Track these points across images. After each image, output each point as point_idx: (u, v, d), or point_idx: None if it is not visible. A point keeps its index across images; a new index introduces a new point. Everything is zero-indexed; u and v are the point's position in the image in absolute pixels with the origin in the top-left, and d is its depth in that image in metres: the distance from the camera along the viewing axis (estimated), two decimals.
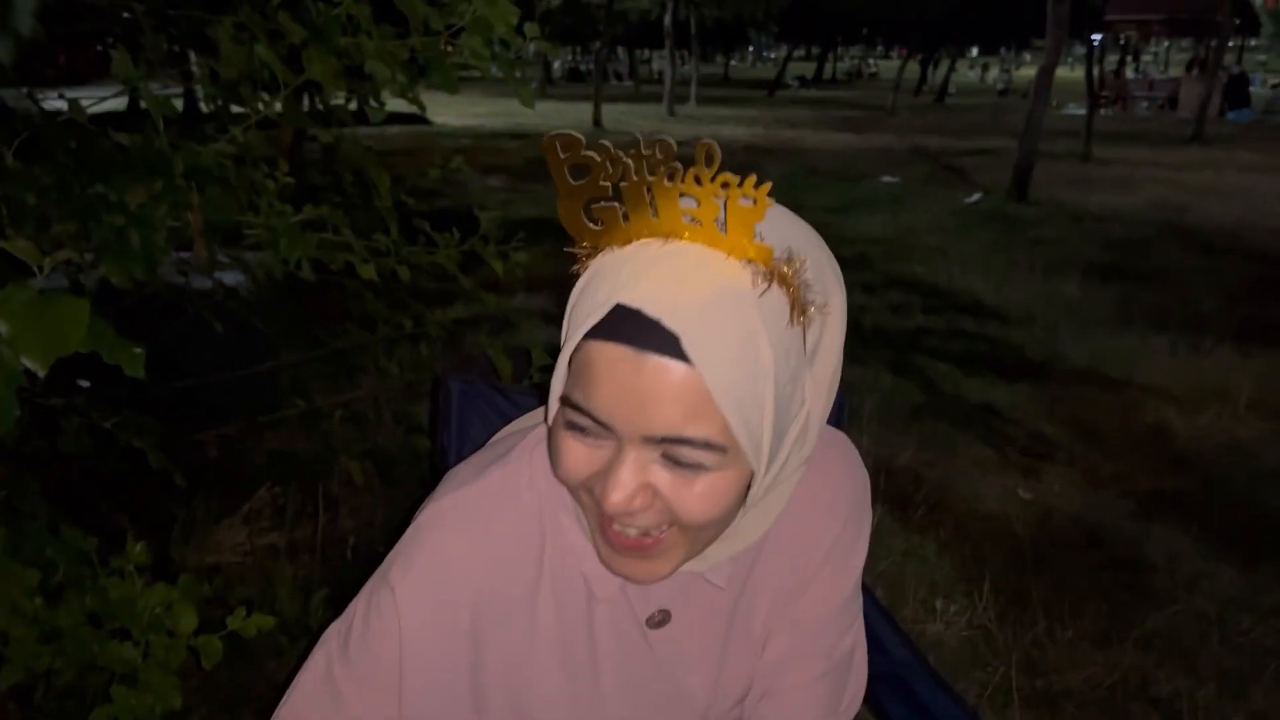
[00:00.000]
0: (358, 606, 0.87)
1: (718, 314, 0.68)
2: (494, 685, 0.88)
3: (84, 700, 1.43)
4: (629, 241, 0.71)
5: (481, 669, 0.87)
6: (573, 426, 0.73)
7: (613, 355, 0.69)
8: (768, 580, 0.93)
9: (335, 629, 0.88)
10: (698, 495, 0.73)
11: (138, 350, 1.15)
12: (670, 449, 0.71)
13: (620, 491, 0.72)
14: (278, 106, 1.49)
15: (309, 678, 0.88)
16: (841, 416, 1.41)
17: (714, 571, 0.86)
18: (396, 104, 1.63)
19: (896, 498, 2.93)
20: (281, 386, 2.42)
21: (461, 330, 4.14)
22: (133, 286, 1.61)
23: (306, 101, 2.09)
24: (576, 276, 0.74)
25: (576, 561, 0.87)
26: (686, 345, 0.68)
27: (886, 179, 9.53)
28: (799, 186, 8.95)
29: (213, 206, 1.49)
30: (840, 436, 0.98)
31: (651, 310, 0.68)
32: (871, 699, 1.30)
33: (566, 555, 0.87)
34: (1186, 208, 8.10)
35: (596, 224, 0.72)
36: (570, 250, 0.73)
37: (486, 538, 0.85)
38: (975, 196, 8.39)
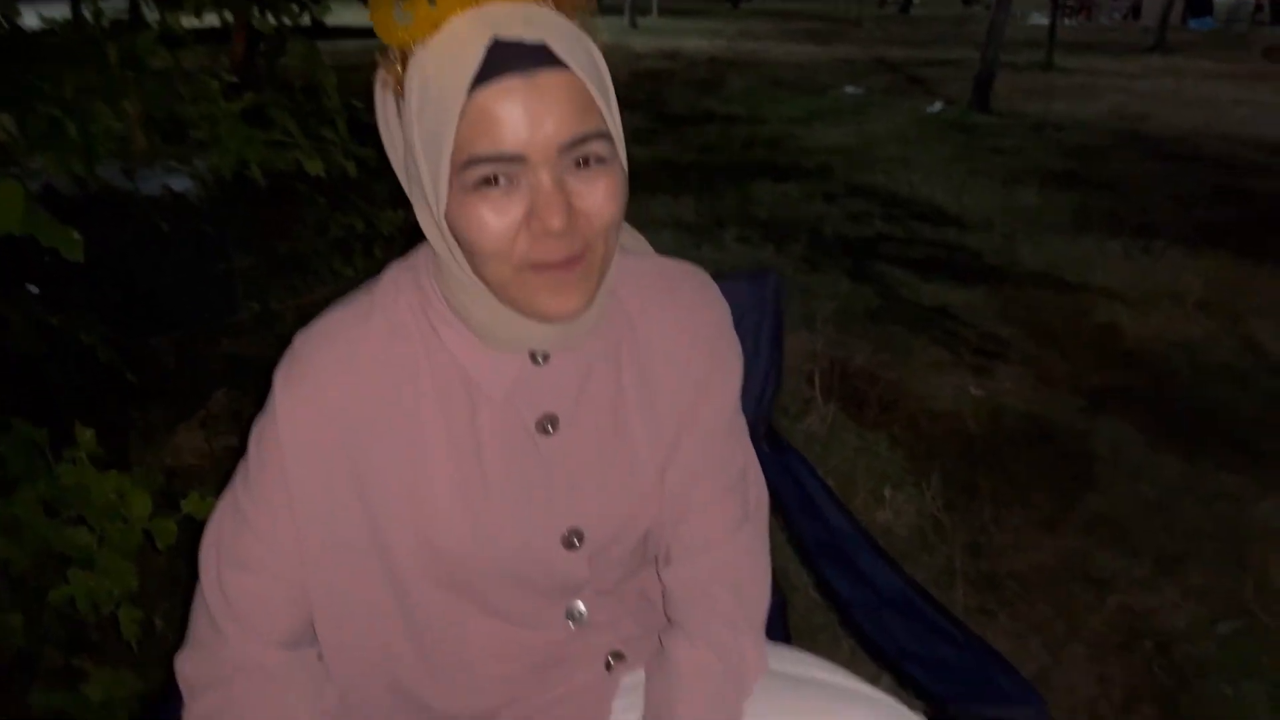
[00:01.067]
0: (252, 433, 0.92)
1: (561, 26, 0.80)
2: (384, 500, 0.92)
3: (42, 593, 1.45)
4: (438, 26, 0.79)
5: (369, 485, 0.92)
6: (483, 185, 0.79)
7: (509, 87, 0.77)
8: (640, 402, 0.99)
9: (242, 460, 0.92)
10: (603, 194, 0.82)
11: (76, 236, 1.14)
12: (578, 149, 0.80)
13: (556, 212, 0.79)
14: None
15: (222, 507, 0.95)
16: (777, 300, 1.43)
17: (591, 351, 0.96)
18: (357, 18, 1.60)
19: (851, 397, 2.98)
20: (235, 292, 2.41)
21: (415, 232, 4.11)
22: (75, 185, 1.58)
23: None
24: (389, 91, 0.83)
25: (460, 370, 0.91)
26: (560, 54, 0.78)
27: (849, 90, 9.46)
28: (762, 98, 8.86)
29: (151, 97, 1.46)
30: (700, 270, 1.05)
31: (530, 35, 0.78)
32: (813, 569, 1.35)
33: (448, 365, 0.92)
34: (1146, 116, 8.12)
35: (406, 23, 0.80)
36: (381, 61, 0.82)
37: (358, 354, 0.91)
38: (937, 106, 8.36)
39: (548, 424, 0.95)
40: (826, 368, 3.15)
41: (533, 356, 0.94)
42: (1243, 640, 2.01)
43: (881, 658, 1.20)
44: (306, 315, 0.98)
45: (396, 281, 0.94)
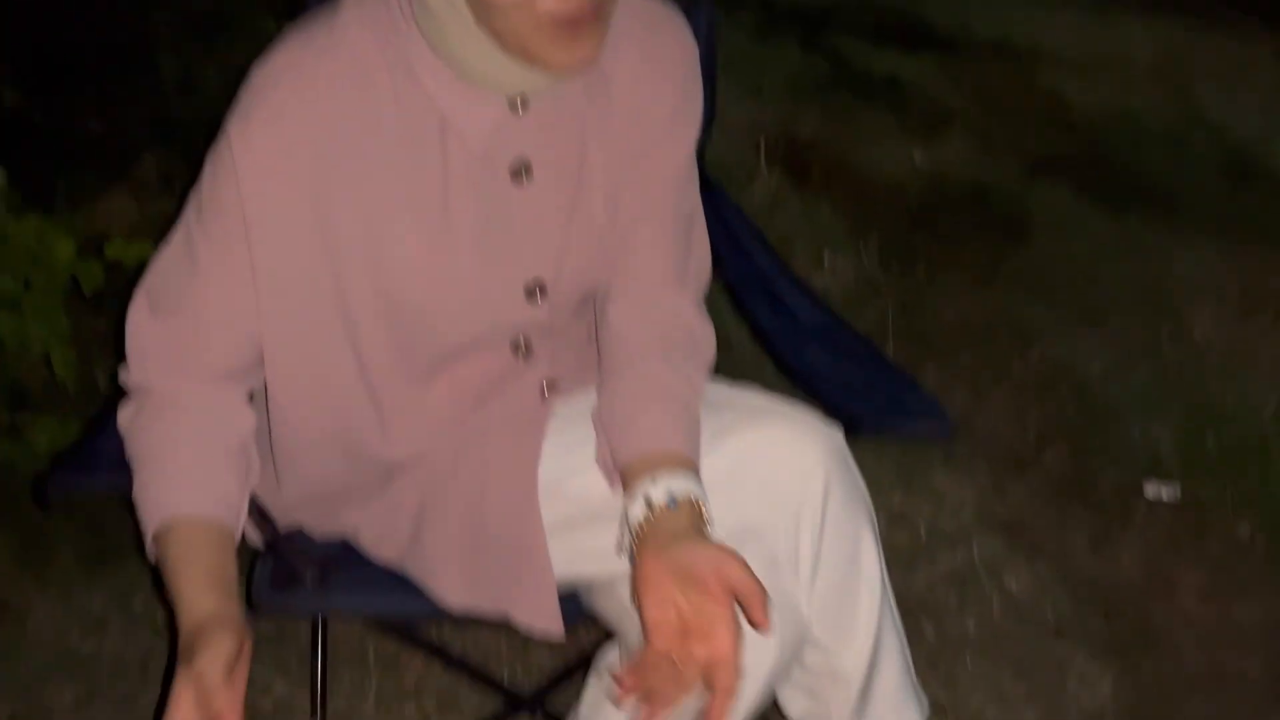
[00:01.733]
0: (204, 170, 0.90)
1: None
2: (347, 242, 0.92)
3: None
4: None
5: (331, 225, 0.91)
6: None
7: None
8: (604, 145, 0.98)
9: (192, 197, 0.91)
10: None
11: None
12: None
13: None
14: None
15: (169, 247, 0.93)
16: (710, 32, 1.40)
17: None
18: None
19: (795, 165, 2.97)
20: (155, 52, 2.31)
21: None
22: None
23: None
24: None
25: (435, 115, 0.90)
26: None
27: None
28: None
29: None
30: (673, 11, 1.02)
31: None
32: (736, 302, 1.39)
33: (422, 110, 0.90)
34: None
35: None
36: None
37: (320, 90, 0.88)
38: None
39: (522, 171, 0.94)
40: (772, 137, 3.12)
41: (511, 104, 0.92)
42: (1154, 385, 2.12)
43: (799, 382, 1.25)
44: (230, 76, 0.95)
45: (361, 19, 0.90)
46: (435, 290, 0.96)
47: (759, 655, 0.95)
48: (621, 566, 0.97)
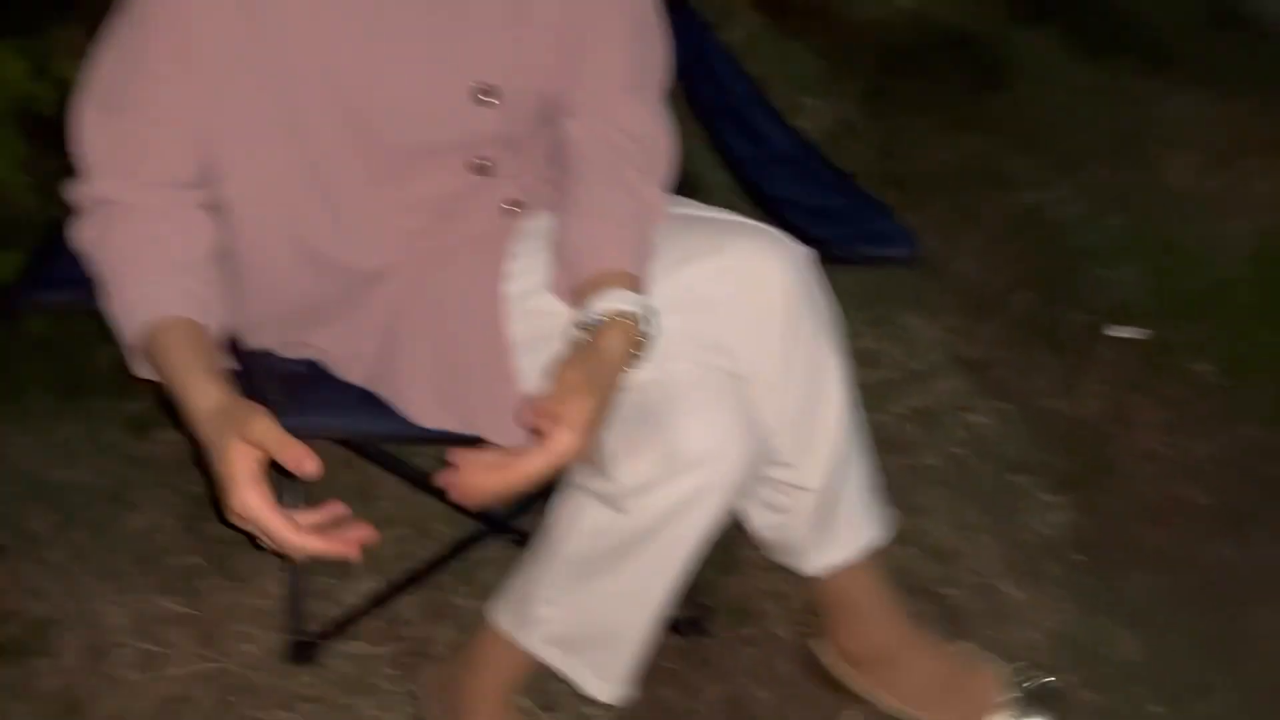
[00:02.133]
0: None
1: None
2: (291, 38, 0.91)
3: None
4: None
5: (270, 19, 0.90)
6: None
7: None
8: None
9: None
10: None
11: None
12: None
13: None
14: None
15: (110, 50, 0.92)
16: None
17: None
18: None
19: (773, 6, 2.88)
20: None
21: None
22: None
23: None
24: None
25: None
26: None
27: None
28: None
29: None
30: None
31: None
32: (708, 128, 1.37)
33: None
34: None
35: None
36: None
37: None
38: None
39: None
40: None
41: None
42: (1126, 230, 2.12)
43: (769, 210, 1.24)
44: None
45: None
46: (380, 89, 0.94)
47: (723, 467, 0.98)
48: None
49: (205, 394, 0.87)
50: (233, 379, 1.12)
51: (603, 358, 0.91)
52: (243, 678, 1.33)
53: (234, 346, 1.09)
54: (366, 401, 1.13)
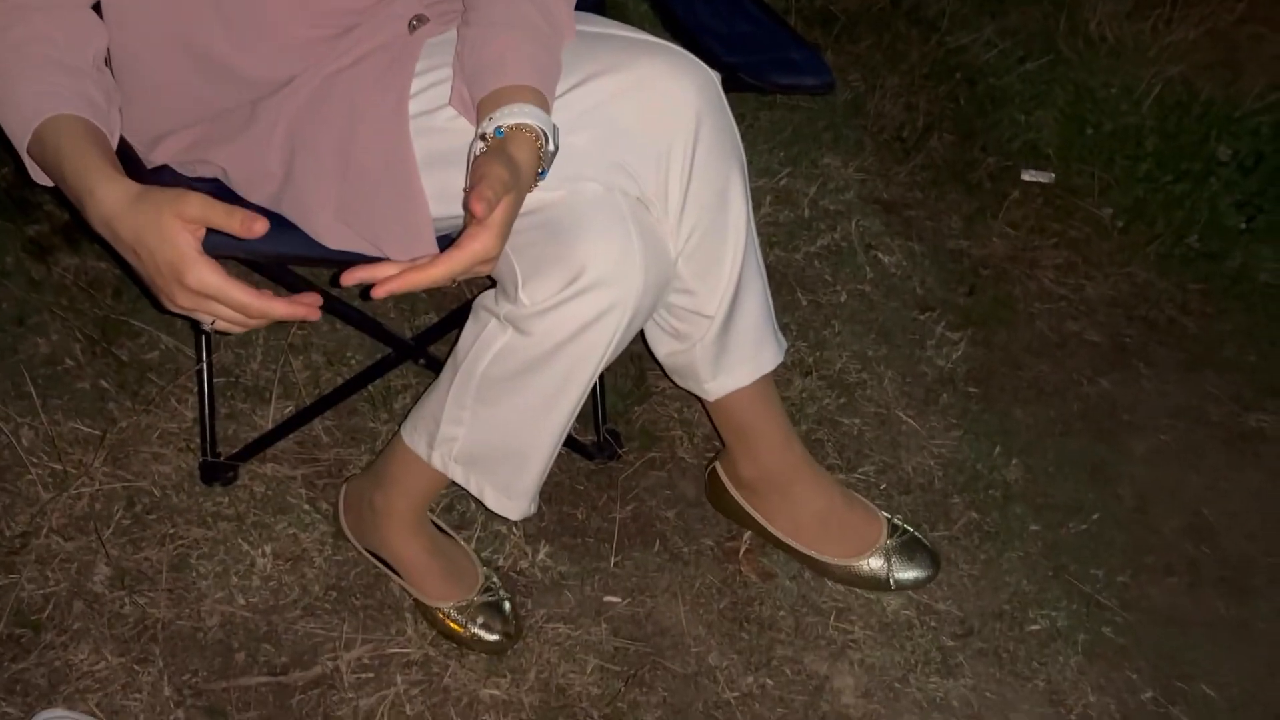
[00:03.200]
0: None
1: None
2: None
3: None
4: None
5: None
6: None
7: None
8: None
9: None
10: None
11: None
12: None
13: None
14: None
15: None
16: None
17: None
18: None
19: None
20: None
21: None
22: None
23: None
24: None
25: None
26: None
27: None
28: None
29: None
30: None
31: None
32: None
33: None
34: None
35: None
36: None
37: None
38: None
39: None
40: None
41: None
42: (1043, 75, 2.13)
43: (683, 36, 1.23)
44: None
45: None
46: None
47: (626, 289, 1.00)
48: None
49: (115, 186, 0.84)
50: None
51: (516, 165, 0.90)
52: (158, 497, 1.35)
53: (131, 166, 1.06)
54: (272, 220, 1.11)
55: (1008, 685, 1.31)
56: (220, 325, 0.85)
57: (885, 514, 1.38)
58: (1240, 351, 1.73)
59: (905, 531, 1.37)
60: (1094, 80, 2.11)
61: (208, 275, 0.81)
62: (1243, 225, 1.90)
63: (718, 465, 1.39)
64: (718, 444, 1.41)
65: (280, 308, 0.84)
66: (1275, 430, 1.63)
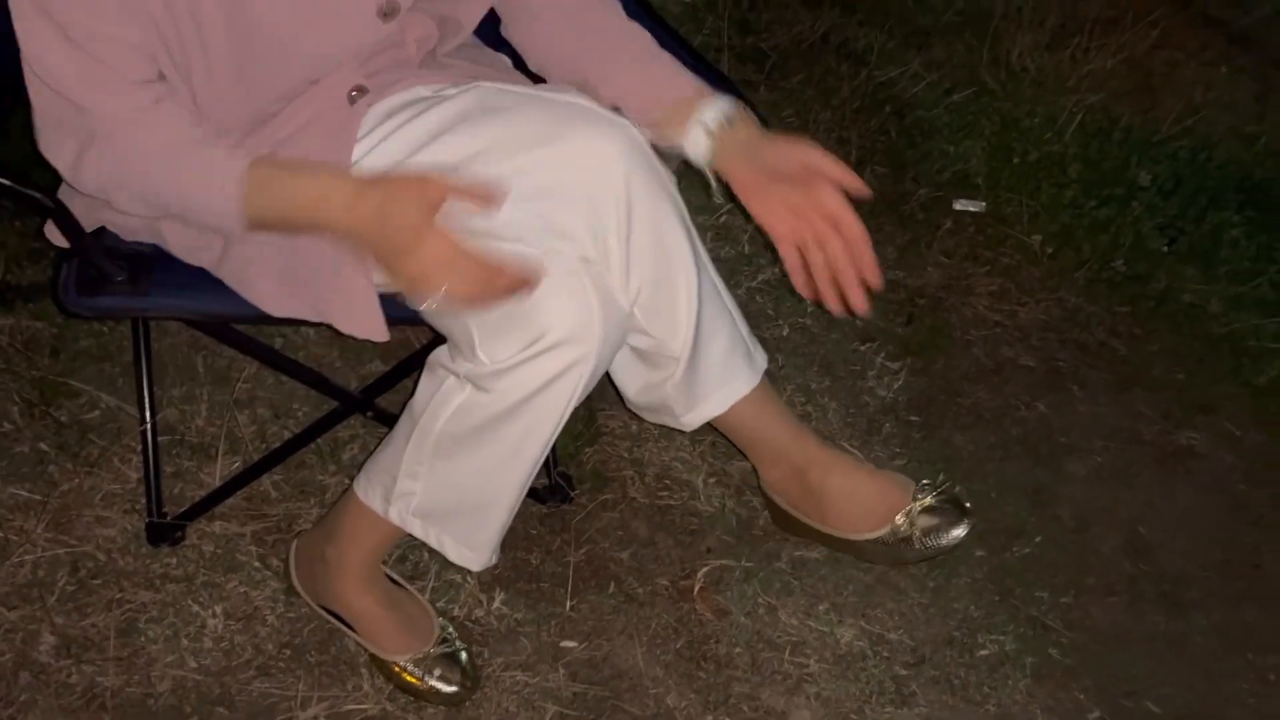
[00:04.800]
0: None
1: None
2: None
3: None
4: None
5: None
6: None
7: None
8: None
9: None
10: None
11: None
12: None
13: None
14: None
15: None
16: None
17: None
18: None
19: None
20: None
21: None
22: None
23: None
24: None
25: None
26: None
27: None
28: None
29: None
30: None
31: None
32: None
33: None
34: None
35: None
36: None
37: None
38: None
39: None
40: None
41: None
42: (970, 106, 2.20)
43: None
44: None
45: None
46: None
47: (585, 347, 1.01)
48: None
49: (340, 183, 0.95)
50: (66, 261, 1.10)
51: (761, 149, 1.04)
52: (104, 561, 1.33)
53: (67, 223, 1.05)
54: (216, 281, 1.11)
55: (960, 711, 1.33)
56: (453, 291, 0.93)
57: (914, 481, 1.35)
58: (1168, 370, 1.79)
59: (939, 491, 1.33)
60: (1018, 110, 2.17)
61: (453, 243, 0.93)
62: (1165, 247, 1.97)
63: (762, 488, 1.41)
64: (686, 478, 1.44)
65: (509, 273, 0.94)
66: (1204, 446, 1.68)
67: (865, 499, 1.32)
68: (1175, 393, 1.76)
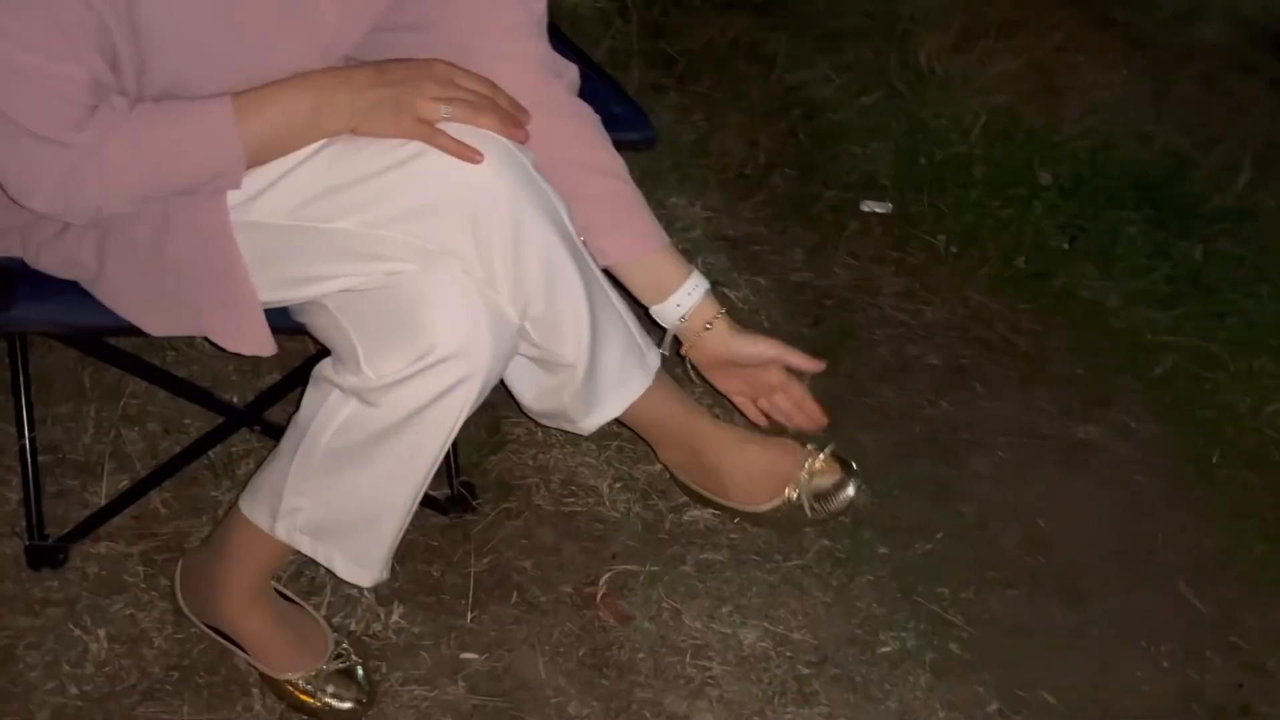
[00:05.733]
0: None
1: None
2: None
3: None
4: None
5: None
6: None
7: None
8: None
9: None
10: None
11: None
12: None
13: None
14: None
15: None
16: None
17: None
18: None
19: None
20: None
21: None
22: None
23: None
24: None
25: None
26: None
27: None
28: None
29: None
30: None
31: None
32: None
33: None
34: None
35: None
36: None
37: None
38: None
39: None
40: None
41: None
42: (879, 108, 2.23)
43: None
44: None
45: None
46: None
47: (474, 361, 1.00)
48: (329, 287, 1.03)
49: (324, 73, 1.00)
50: None
51: (728, 341, 1.26)
52: None
53: None
54: (88, 294, 1.08)
55: (862, 709, 1.34)
56: (459, 108, 0.99)
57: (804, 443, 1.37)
58: (1068, 366, 1.83)
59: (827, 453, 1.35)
60: (925, 112, 2.20)
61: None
62: (1065, 245, 2.01)
63: (666, 468, 1.43)
64: (592, 484, 1.44)
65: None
66: (1102, 439, 1.72)
67: (758, 473, 1.35)
68: (1075, 387, 1.79)
